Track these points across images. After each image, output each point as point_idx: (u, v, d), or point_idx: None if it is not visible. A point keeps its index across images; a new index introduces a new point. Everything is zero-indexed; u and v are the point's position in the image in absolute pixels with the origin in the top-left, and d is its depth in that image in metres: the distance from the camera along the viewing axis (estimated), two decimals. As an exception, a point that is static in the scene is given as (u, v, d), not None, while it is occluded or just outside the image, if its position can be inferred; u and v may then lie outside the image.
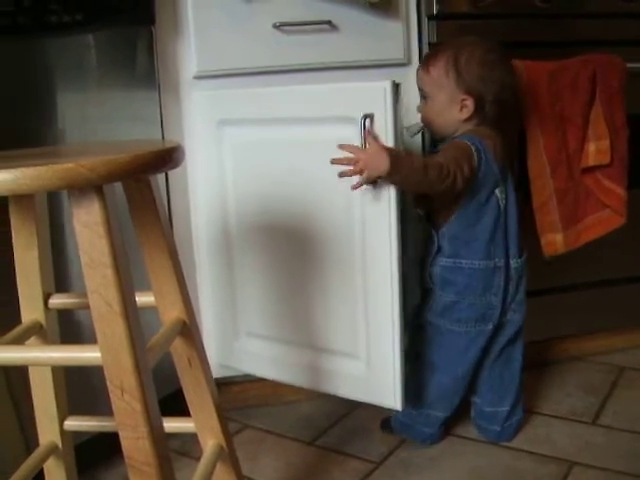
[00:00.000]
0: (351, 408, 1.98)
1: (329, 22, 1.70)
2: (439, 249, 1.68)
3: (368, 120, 1.50)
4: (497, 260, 1.64)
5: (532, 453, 1.72)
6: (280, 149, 1.69)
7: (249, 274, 1.81)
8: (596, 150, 1.77)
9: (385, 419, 1.84)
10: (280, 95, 1.67)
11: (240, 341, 1.87)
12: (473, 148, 1.58)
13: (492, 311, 1.67)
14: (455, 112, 1.63)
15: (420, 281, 1.78)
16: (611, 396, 1.98)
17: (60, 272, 1.29)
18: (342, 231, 1.64)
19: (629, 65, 1.79)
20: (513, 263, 1.66)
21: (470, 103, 1.61)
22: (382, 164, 1.46)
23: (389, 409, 1.68)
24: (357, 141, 1.51)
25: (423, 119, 1.71)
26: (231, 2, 1.68)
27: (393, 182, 1.52)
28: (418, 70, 1.69)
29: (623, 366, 2.15)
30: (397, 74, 1.75)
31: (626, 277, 2.12)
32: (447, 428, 1.81)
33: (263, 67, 1.73)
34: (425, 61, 1.67)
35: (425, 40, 1.79)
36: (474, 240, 1.63)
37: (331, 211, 1.65)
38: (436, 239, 1.67)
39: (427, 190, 1.59)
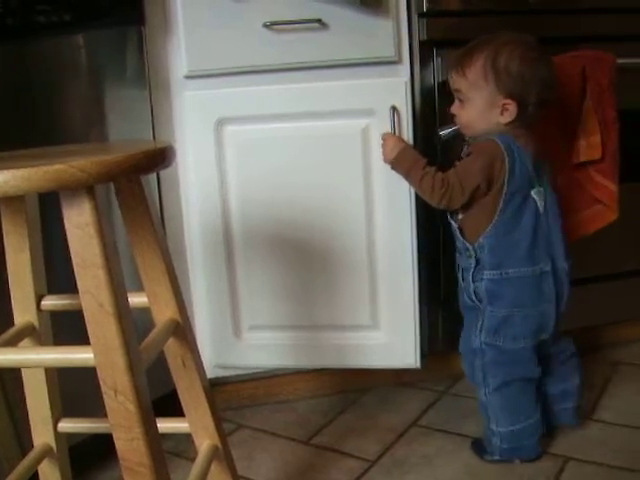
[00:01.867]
0: (346, 407, 1.98)
1: (319, 20, 1.70)
2: (477, 262, 1.60)
3: (395, 112, 1.72)
4: (542, 265, 1.58)
5: (527, 449, 1.72)
6: (288, 145, 1.77)
7: (254, 269, 1.84)
8: (587, 145, 1.77)
9: (476, 443, 1.75)
10: (293, 92, 1.74)
11: (243, 337, 1.89)
12: (503, 146, 1.53)
13: (547, 320, 1.61)
14: (495, 116, 1.56)
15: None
16: (605, 391, 1.98)
17: (53, 273, 1.28)
18: (353, 215, 1.81)
19: (619, 61, 1.79)
20: (565, 266, 1.61)
21: (513, 107, 1.53)
22: (390, 154, 1.68)
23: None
24: (377, 132, 1.74)
25: (460, 122, 1.64)
26: (221, 1, 1.68)
27: (400, 174, 1.68)
28: (451, 71, 1.61)
29: (617, 361, 2.16)
30: (388, 72, 1.76)
31: (618, 272, 2.12)
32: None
33: (254, 66, 1.73)
34: (459, 62, 1.58)
35: (415, 37, 1.79)
36: (515, 247, 1.56)
37: (340, 197, 1.80)
38: (474, 253, 1.60)
39: (427, 200, 1.62)
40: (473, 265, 1.61)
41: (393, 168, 1.69)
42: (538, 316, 1.60)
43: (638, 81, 1.91)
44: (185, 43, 1.70)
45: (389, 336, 1.88)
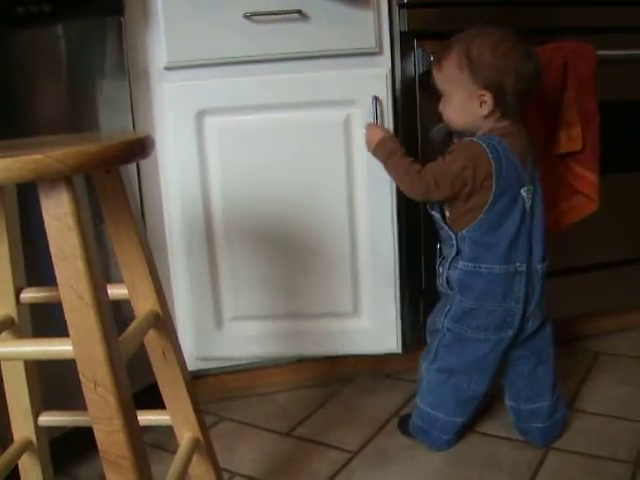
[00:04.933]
0: (327, 398, 1.98)
1: (299, 11, 1.69)
2: (458, 252, 1.61)
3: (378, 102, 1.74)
4: (518, 265, 1.57)
5: (509, 439, 1.73)
6: (269, 136, 1.77)
7: (236, 259, 1.84)
8: (567, 137, 1.77)
9: (402, 420, 1.81)
10: (274, 83, 1.74)
11: (225, 328, 1.89)
12: (487, 150, 1.52)
13: (512, 318, 1.60)
14: (475, 108, 1.55)
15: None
16: (586, 381, 1.99)
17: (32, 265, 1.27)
18: (335, 204, 1.82)
19: (600, 52, 1.80)
20: (539, 268, 1.61)
21: (489, 98, 1.53)
22: (371, 143, 1.69)
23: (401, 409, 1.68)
24: (358, 122, 1.76)
25: (445, 118, 1.64)
26: (201, -8, 1.67)
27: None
28: (432, 68, 1.62)
29: (597, 351, 2.17)
30: (369, 63, 1.76)
31: (598, 263, 2.13)
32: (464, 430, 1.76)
33: (234, 57, 1.72)
34: (437, 58, 1.60)
35: (396, 29, 1.79)
36: (495, 245, 1.56)
37: (322, 186, 1.81)
38: (455, 242, 1.61)
39: (403, 190, 1.63)
40: (453, 254, 1.62)
41: (374, 154, 1.68)
42: (503, 313, 1.60)
43: (619, 73, 1.92)
44: (165, 34, 1.69)
45: (371, 322, 1.90)
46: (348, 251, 1.85)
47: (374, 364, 2.06)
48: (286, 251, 1.84)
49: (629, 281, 2.18)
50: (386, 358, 2.00)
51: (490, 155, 1.53)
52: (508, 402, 1.74)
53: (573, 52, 1.77)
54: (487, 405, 1.80)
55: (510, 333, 1.62)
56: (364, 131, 1.73)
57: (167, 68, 1.72)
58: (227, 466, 1.66)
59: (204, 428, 1.31)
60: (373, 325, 1.90)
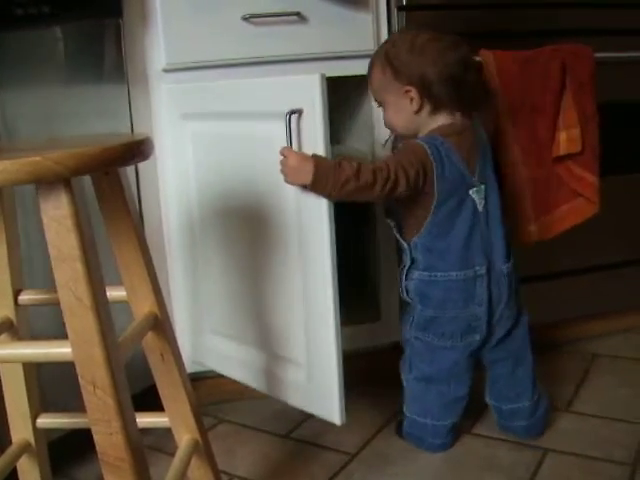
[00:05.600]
0: (326, 400, 1.98)
1: (298, 14, 1.69)
2: (412, 261, 1.59)
3: (295, 116, 1.42)
4: (478, 268, 1.55)
5: (506, 441, 1.72)
6: (230, 143, 1.66)
7: (211, 269, 1.78)
8: (567, 139, 1.77)
9: (400, 424, 1.79)
10: (228, 88, 1.65)
11: (205, 337, 1.85)
12: (429, 151, 1.49)
13: (477, 322, 1.58)
14: (407, 107, 1.55)
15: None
16: (583, 383, 1.99)
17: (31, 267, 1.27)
18: (283, 232, 1.56)
19: (598, 55, 1.80)
20: (503, 268, 1.59)
21: (414, 93, 1.52)
22: (304, 176, 1.40)
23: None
24: (282, 139, 1.44)
25: (387, 126, 1.65)
26: (199, -6, 1.67)
27: (321, 194, 1.43)
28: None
29: (595, 353, 2.17)
30: (367, 65, 1.75)
31: (597, 264, 2.13)
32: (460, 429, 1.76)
33: (232, 59, 1.72)
34: (367, 71, 1.62)
35: (395, 31, 1.79)
36: (447, 250, 1.54)
37: (276, 208, 1.57)
38: (409, 251, 1.59)
39: (367, 198, 1.49)
40: (408, 264, 1.60)
41: (312, 189, 1.43)
42: (467, 318, 1.58)
43: (617, 74, 1.92)
44: (163, 36, 1.69)
45: (309, 377, 1.59)
46: (300, 286, 1.56)
47: (370, 366, 2.06)
48: (246, 269, 1.70)
49: (628, 282, 2.18)
50: (383, 359, 2.00)
51: (432, 157, 1.49)
52: (489, 401, 1.75)
53: (572, 54, 1.77)
54: (482, 407, 1.79)
55: (477, 337, 1.61)
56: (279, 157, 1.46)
57: (165, 70, 1.72)
58: (226, 468, 1.65)
59: (203, 430, 1.31)
60: (313, 382, 1.58)
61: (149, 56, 1.72)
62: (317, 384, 1.56)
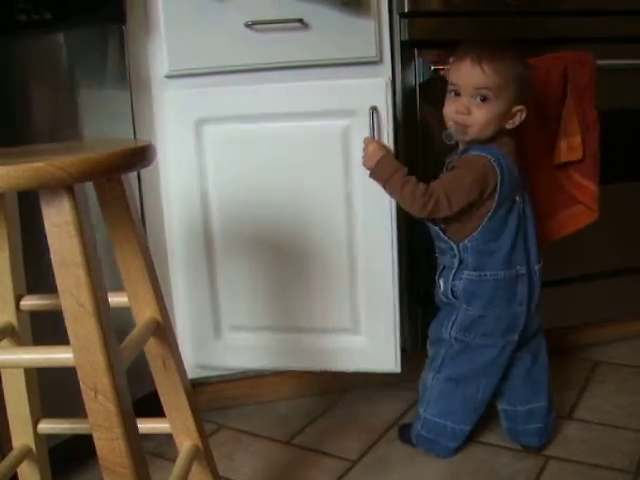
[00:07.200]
0: (327, 407, 1.98)
1: (300, 20, 1.69)
2: (461, 262, 1.61)
3: (375, 112, 1.70)
4: (519, 268, 1.59)
5: (508, 448, 1.72)
6: (268, 145, 1.76)
7: (234, 269, 1.83)
8: (568, 146, 1.77)
9: (403, 429, 1.80)
10: (274, 92, 1.73)
11: (223, 337, 1.88)
12: (495, 163, 1.53)
13: (518, 321, 1.62)
14: (505, 119, 1.55)
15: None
16: (585, 390, 1.99)
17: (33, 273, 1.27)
18: (333, 216, 1.79)
19: (599, 62, 1.80)
20: (537, 269, 1.63)
21: (524, 113, 1.55)
22: (370, 163, 1.62)
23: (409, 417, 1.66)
24: (358, 132, 1.71)
25: (471, 121, 1.55)
26: (202, 1, 1.67)
27: (378, 183, 1.62)
28: (475, 65, 1.51)
29: (597, 360, 2.17)
30: (369, 72, 1.75)
31: (598, 272, 2.13)
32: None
33: (235, 66, 1.72)
34: (483, 58, 1.51)
35: (397, 38, 1.79)
36: (497, 251, 1.58)
37: (320, 198, 1.79)
38: (457, 252, 1.61)
39: (408, 210, 1.57)
40: (456, 265, 1.62)
41: (371, 175, 1.62)
42: (509, 317, 1.62)
43: (618, 82, 1.93)
44: (166, 42, 1.69)
45: (369, 340, 1.86)
46: (346, 265, 1.82)
47: (374, 373, 2.05)
48: (283, 263, 1.83)
49: (629, 290, 2.18)
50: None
51: (497, 169, 1.53)
52: (503, 406, 1.74)
53: (573, 61, 1.77)
54: (485, 415, 1.79)
55: (516, 337, 1.63)
56: (362, 146, 1.67)
57: (168, 76, 1.72)
58: (227, 474, 1.65)
59: (204, 436, 1.31)
60: (372, 343, 1.86)
61: (152, 62, 1.72)
62: (377, 344, 1.86)
